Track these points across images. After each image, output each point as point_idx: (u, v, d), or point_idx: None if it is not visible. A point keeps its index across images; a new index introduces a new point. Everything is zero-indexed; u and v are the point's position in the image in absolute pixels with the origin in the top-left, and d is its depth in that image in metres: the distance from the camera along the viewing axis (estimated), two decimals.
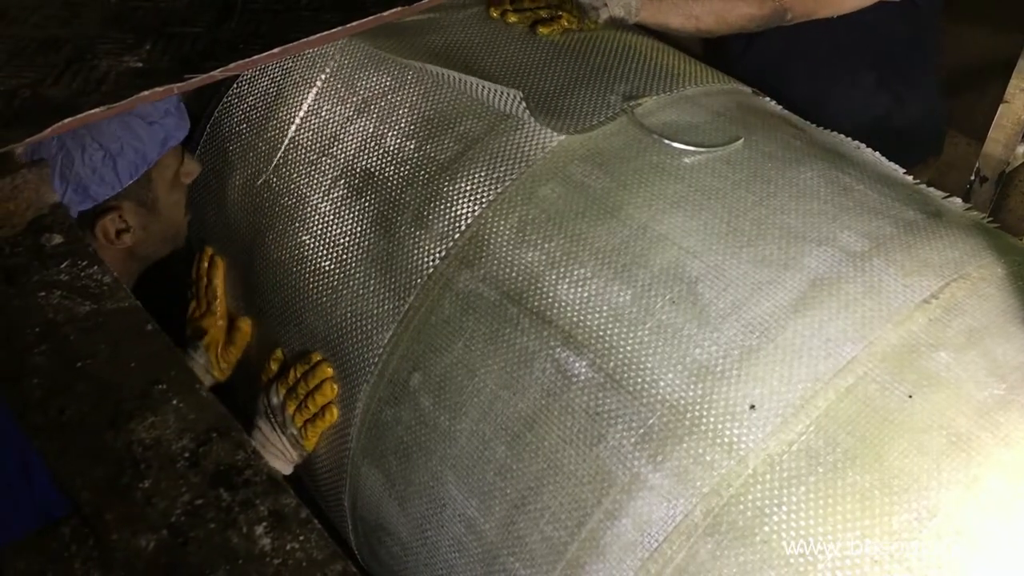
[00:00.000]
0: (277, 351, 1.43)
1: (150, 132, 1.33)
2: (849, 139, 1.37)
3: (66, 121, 0.69)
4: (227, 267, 1.54)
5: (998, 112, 1.66)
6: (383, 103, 1.43)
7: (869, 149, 1.34)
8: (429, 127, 1.39)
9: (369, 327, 1.31)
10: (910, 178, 1.30)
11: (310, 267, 1.40)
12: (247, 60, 0.72)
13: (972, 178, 1.73)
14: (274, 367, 1.42)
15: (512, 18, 1.55)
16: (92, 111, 0.69)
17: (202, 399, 0.56)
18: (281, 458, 1.38)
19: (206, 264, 1.53)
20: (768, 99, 1.47)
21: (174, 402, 0.56)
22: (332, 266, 1.37)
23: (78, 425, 0.56)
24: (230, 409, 0.61)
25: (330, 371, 1.35)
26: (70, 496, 0.52)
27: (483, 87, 1.38)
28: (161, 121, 1.35)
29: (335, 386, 1.34)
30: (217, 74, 0.71)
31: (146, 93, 0.70)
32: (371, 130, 1.42)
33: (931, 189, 1.28)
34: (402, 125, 1.40)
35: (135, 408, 0.56)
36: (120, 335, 0.60)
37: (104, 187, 1.33)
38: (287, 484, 0.53)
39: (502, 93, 1.36)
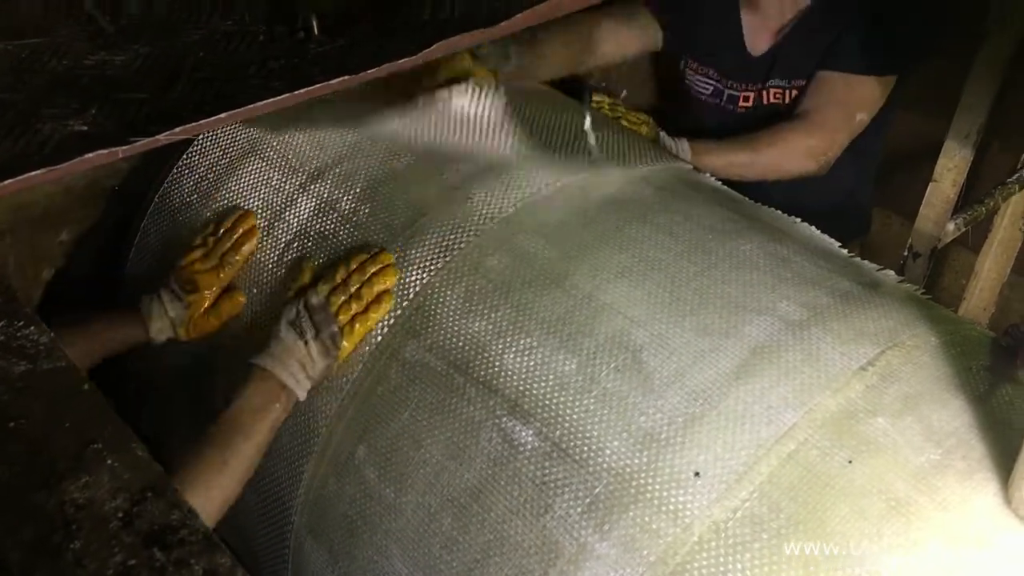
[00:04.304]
0: (311, 262, 1.38)
1: None
2: (785, 215, 1.41)
3: (7, 183, 0.69)
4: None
5: (928, 190, 1.72)
6: (338, 169, 1.44)
7: (805, 223, 1.39)
8: (383, 193, 1.40)
9: (316, 398, 1.30)
10: (845, 251, 1.34)
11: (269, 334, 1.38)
12: (193, 125, 0.73)
13: (905, 254, 1.78)
14: (307, 276, 1.36)
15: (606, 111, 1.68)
16: (33, 173, 0.69)
17: (137, 458, 0.55)
18: (300, 372, 1.27)
19: (241, 229, 1.46)
20: (707, 175, 1.51)
21: (108, 461, 0.55)
22: None
23: (8, 486, 0.55)
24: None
25: (391, 258, 1.32)
26: None
27: (437, 158, 1.41)
28: None
29: (397, 273, 1.30)
30: (163, 138, 0.71)
31: (90, 156, 0.70)
32: (326, 195, 1.43)
33: (865, 262, 1.32)
34: (357, 190, 1.42)
35: (68, 468, 0.55)
36: (55, 395, 0.59)
37: None
38: (223, 544, 0.52)
39: (456, 167, 1.39)
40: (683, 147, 1.68)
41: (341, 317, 1.29)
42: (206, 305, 1.44)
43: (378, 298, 1.29)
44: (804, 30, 1.81)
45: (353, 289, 1.30)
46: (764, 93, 1.88)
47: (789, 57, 1.84)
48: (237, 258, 1.44)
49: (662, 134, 1.70)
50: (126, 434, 0.56)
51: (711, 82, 1.94)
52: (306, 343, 1.27)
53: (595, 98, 1.66)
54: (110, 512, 0.53)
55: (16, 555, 0.51)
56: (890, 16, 1.75)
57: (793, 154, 1.75)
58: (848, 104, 1.77)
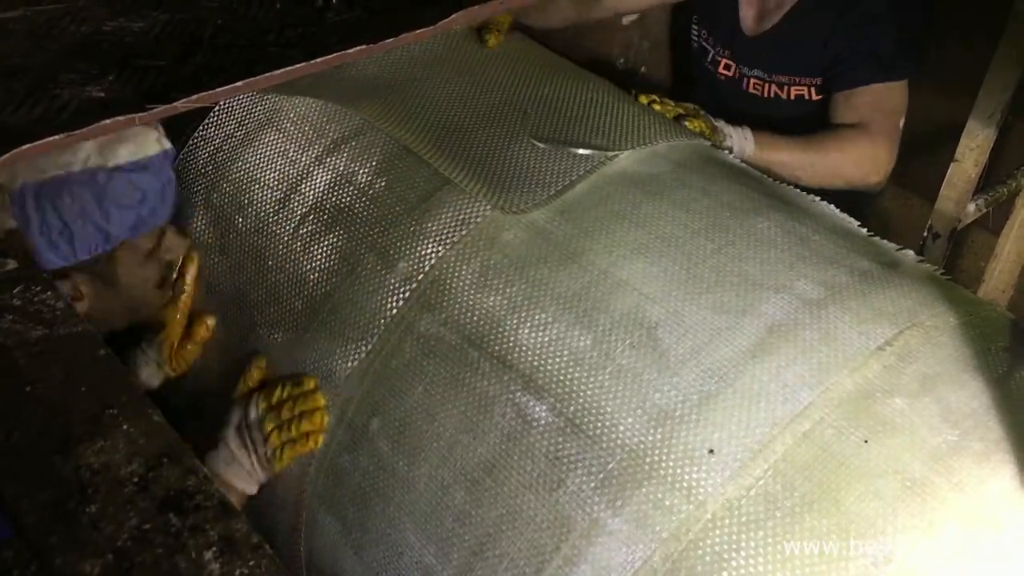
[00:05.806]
0: (260, 359, 1.37)
1: (120, 215, 1.30)
2: (804, 193, 1.40)
3: (24, 148, 0.69)
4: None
5: (949, 171, 1.71)
6: (355, 142, 1.44)
7: (824, 202, 1.37)
8: (400, 166, 1.39)
9: (331, 371, 1.30)
10: (864, 231, 1.32)
11: (285, 306, 1.39)
12: (210, 92, 0.72)
13: (925, 235, 1.77)
14: (255, 375, 1.37)
15: (656, 107, 1.58)
16: (50, 138, 0.69)
17: (154, 424, 0.55)
18: (246, 478, 1.32)
19: (180, 258, 1.47)
20: (727, 152, 1.50)
21: (124, 427, 0.55)
22: (302, 306, 1.36)
23: (25, 449, 0.55)
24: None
25: (323, 401, 1.30)
26: (14, 520, 0.51)
27: (457, 136, 1.40)
28: (135, 206, 1.32)
29: (326, 418, 1.29)
30: (180, 105, 0.71)
31: (108, 122, 0.70)
32: (342, 168, 1.43)
33: (885, 241, 1.31)
34: (373, 163, 1.41)
35: (84, 433, 0.55)
36: (72, 360, 0.59)
37: (57, 257, 1.29)
38: (239, 510, 0.52)
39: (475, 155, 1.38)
40: (746, 135, 1.64)
41: (273, 440, 1.30)
42: (178, 338, 1.47)
43: (306, 436, 1.30)
44: (795, 23, 1.80)
45: (286, 418, 1.30)
46: (745, 80, 1.90)
47: (775, 50, 1.83)
48: (183, 281, 1.46)
49: (721, 123, 1.63)
50: (142, 400, 0.56)
51: (708, 47, 1.95)
52: (248, 455, 1.32)
53: (642, 96, 1.61)
54: (126, 477, 0.53)
55: (32, 518, 0.51)
56: (901, 17, 1.74)
57: (860, 161, 1.72)
58: (896, 112, 1.77)
